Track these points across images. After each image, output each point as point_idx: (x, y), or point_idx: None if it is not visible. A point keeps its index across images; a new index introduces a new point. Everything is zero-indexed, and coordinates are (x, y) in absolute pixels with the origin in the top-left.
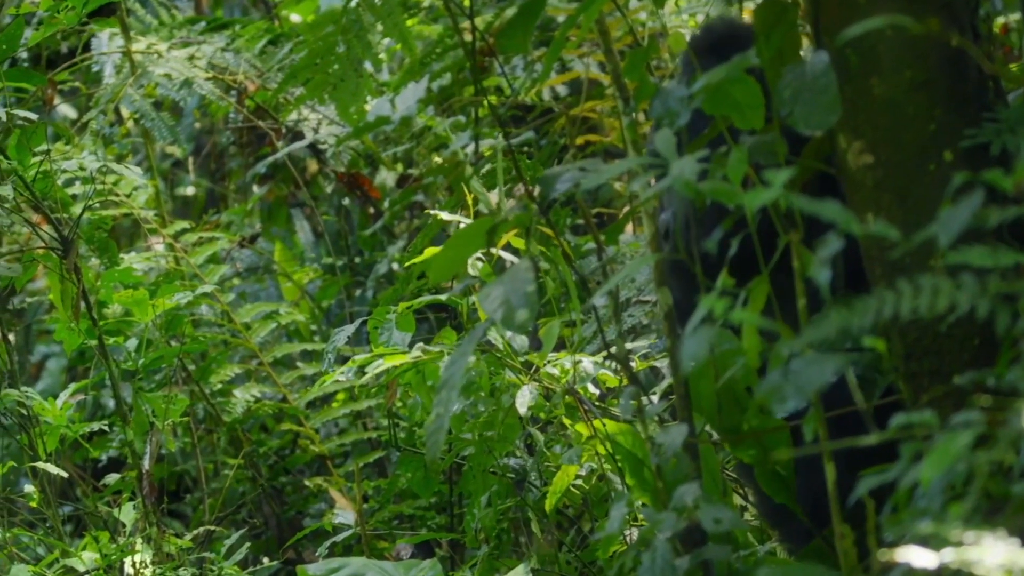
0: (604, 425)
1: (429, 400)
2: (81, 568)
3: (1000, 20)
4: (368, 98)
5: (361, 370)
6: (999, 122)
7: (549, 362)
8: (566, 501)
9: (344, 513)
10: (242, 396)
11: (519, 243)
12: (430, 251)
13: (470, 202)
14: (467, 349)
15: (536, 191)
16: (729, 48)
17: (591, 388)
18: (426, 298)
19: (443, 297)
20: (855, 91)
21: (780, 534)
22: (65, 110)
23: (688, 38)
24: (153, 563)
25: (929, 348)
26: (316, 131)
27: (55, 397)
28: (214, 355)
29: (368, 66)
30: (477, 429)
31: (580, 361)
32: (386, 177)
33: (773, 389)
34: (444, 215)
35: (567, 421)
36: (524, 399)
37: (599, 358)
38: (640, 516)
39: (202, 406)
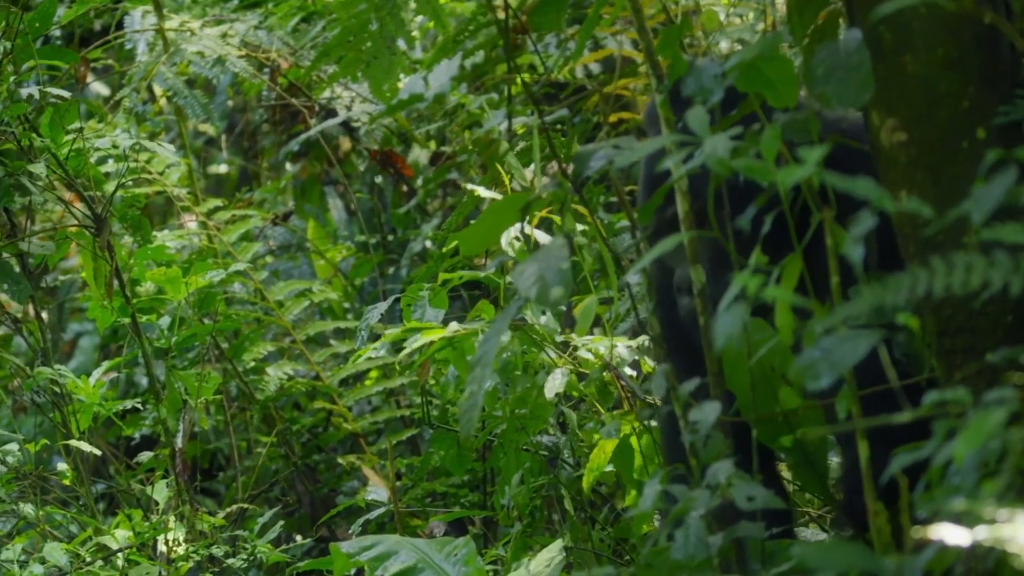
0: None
1: (466, 375)
2: (114, 546)
3: None
4: (401, 76)
5: (395, 347)
6: None
7: (583, 345)
8: (599, 479)
9: (377, 491)
10: (275, 374)
11: (553, 220)
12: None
13: (505, 180)
14: (501, 327)
15: (570, 169)
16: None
17: (629, 371)
18: (462, 274)
19: (480, 275)
20: (888, 69)
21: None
22: (98, 88)
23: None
24: (186, 541)
25: (962, 325)
26: (349, 109)
27: (88, 375)
28: (247, 333)
29: (401, 44)
30: (509, 407)
31: (616, 346)
32: (419, 155)
33: (807, 366)
34: (480, 191)
35: (599, 407)
36: (555, 383)
37: (635, 343)
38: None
39: (235, 384)
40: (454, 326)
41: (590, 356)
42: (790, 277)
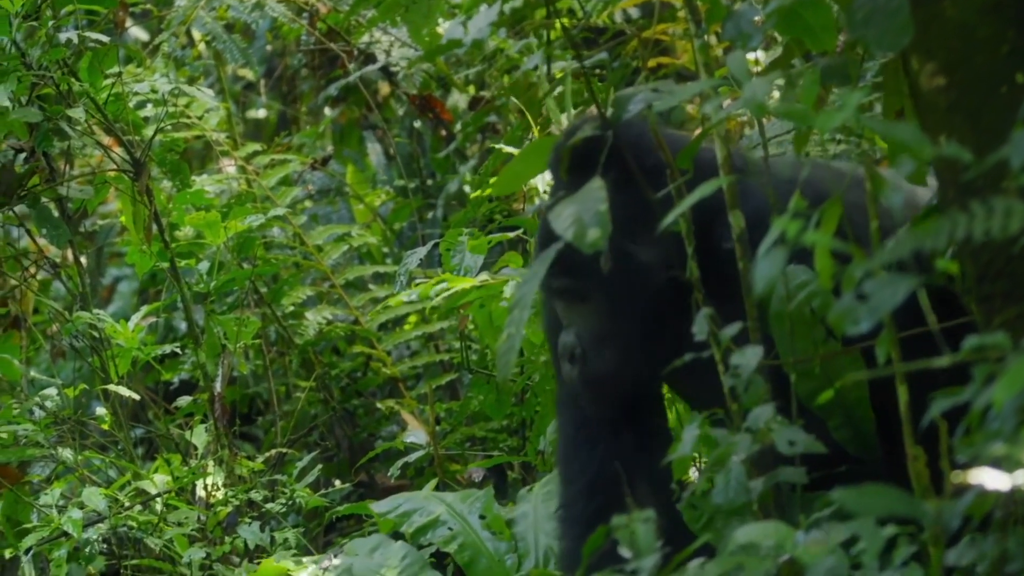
0: None
1: (490, 334)
2: (153, 490)
3: None
4: (440, 20)
5: (434, 292)
6: None
7: None
8: None
9: (416, 435)
10: (314, 318)
11: None
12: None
13: (545, 122)
14: (539, 270)
15: (609, 113)
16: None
17: None
18: (501, 224)
19: (518, 230)
20: (927, 13)
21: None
22: (137, 33)
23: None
24: (225, 485)
25: (1002, 270)
26: (388, 54)
27: (127, 320)
28: (286, 277)
29: None
30: (545, 352)
31: None
32: (458, 99)
33: (846, 311)
34: (508, 149)
35: None
36: None
37: None
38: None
39: (274, 328)
40: (484, 276)
41: None
42: (829, 221)
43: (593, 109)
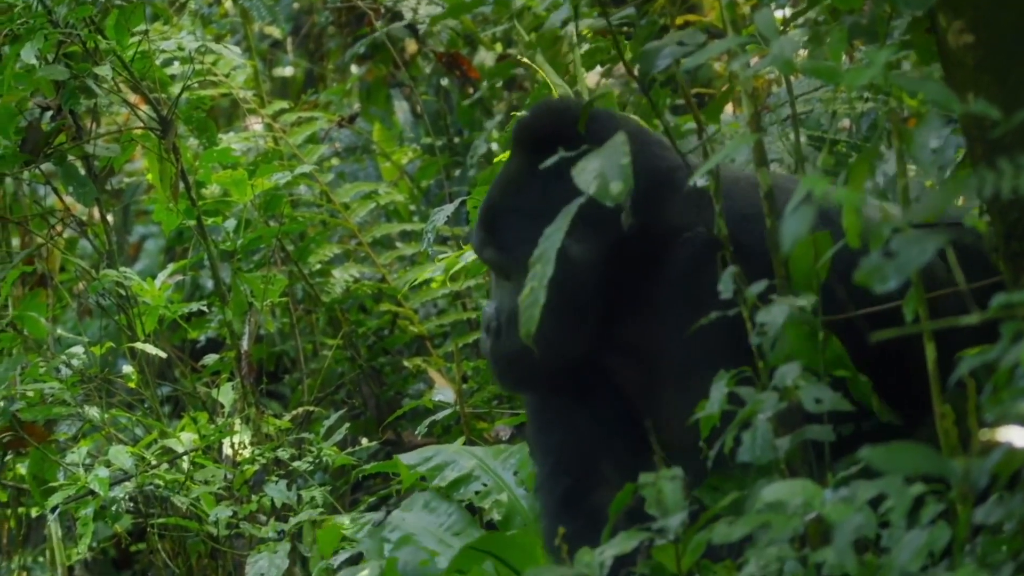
0: None
1: None
2: (179, 449)
3: None
4: None
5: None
6: None
7: None
8: None
9: (443, 393)
10: (341, 276)
11: None
12: None
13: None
14: (561, 224)
15: (636, 70)
16: (554, 140)
17: None
18: None
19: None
20: None
21: None
22: None
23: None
24: (252, 444)
25: None
26: (415, 11)
27: (153, 278)
28: (313, 235)
29: None
30: None
31: None
32: (485, 57)
33: (874, 268)
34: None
35: None
36: None
37: None
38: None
39: (301, 286)
40: None
41: None
42: (858, 179)
43: (569, 90)
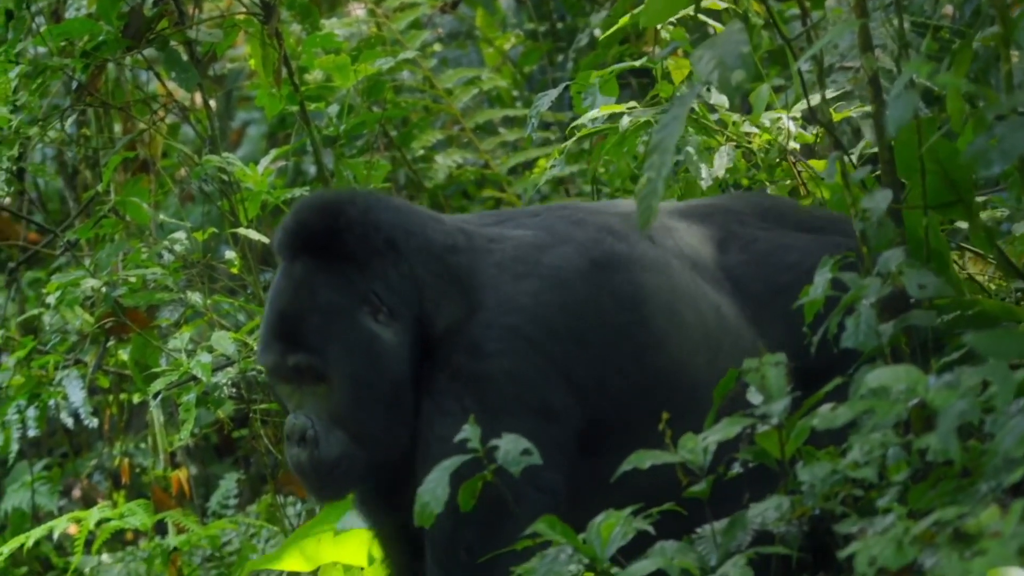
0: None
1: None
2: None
3: None
4: None
5: (564, 136)
6: None
7: (745, 119)
8: None
9: None
10: (444, 162)
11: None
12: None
13: None
14: (679, 112)
15: None
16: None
17: (793, 144)
18: (632, 64)
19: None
20: None
21: None
22: None
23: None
24: None
25: None
26: None
27: (256, 163)
28: (416, 121)
29: None
30: (676, 193)
31: (780, 118)
32: None
33: (979, 153)
34: None
35: (768, 184)
36: (722, 160)
37: (797, 112)
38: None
39: (404, 172)
40: (626, 119)
41: (755, 131)
42: (961, 64)
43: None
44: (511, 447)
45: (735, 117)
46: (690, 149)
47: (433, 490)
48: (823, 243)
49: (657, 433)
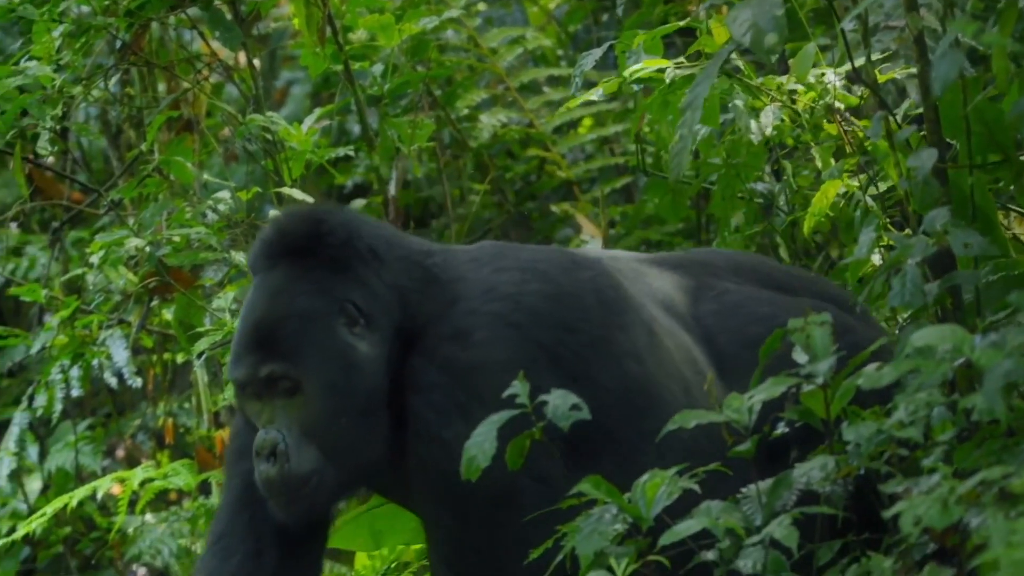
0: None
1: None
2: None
3: None
4: None
5: (609, 95)
6: None
7: (791, 79)
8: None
9: (591, 239)
10: (488, 121)
11: None
12: None
13: None
14: (712, 72)
15: None
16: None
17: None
18: (676, 24)
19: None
20: None
21: None
22: None
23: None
24: None
25: None
26: None
27: (300, 122)
28: (460, 80)
29: None
30: (724, 151)
31: (824, 74)
32: None
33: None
34: None
35: (813, 144)
36: (767, 119)
37: (842, 71)
38: (889, 240)
39: (448, 131)
40: (670, 75)
41: (801, 87)
42: (1007, 22)
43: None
44: (560, 402)
45: (780, 77)
46: (739, 103)
47: (480, 444)
48: (797, 303)
49: (636, 443)
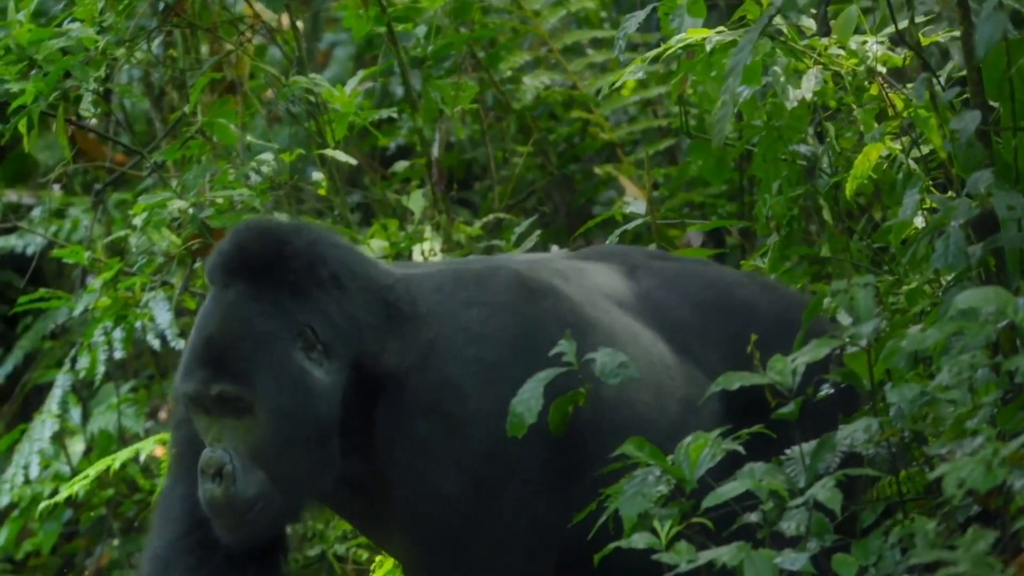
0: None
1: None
2: (370, 256)
3: None
4: None
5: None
6: None
7: (834, 42)
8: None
9: (634, 201)
10: (532, 83)
11: None
12: None
13: None
14: (753, 36)
15: None
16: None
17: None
18: None
19: None
20: None
21: None
22: None
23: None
24: (442, 251)
25: None
26: None
27: (343, 84)
28: (503, 42)
29: None
30: (766, 114)
31: (867, 41)
32: None
33: None
34: None
35: (855, 106)
36: (810, 83)
37: (885, 36)
38: (932, 202)
39: (491, 93)
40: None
41: (842, 52)
42: None
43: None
44: (608, 359)
45: (823, 40)
46: (777, 69)
47: (527, 401)
48: (722, 270)
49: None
